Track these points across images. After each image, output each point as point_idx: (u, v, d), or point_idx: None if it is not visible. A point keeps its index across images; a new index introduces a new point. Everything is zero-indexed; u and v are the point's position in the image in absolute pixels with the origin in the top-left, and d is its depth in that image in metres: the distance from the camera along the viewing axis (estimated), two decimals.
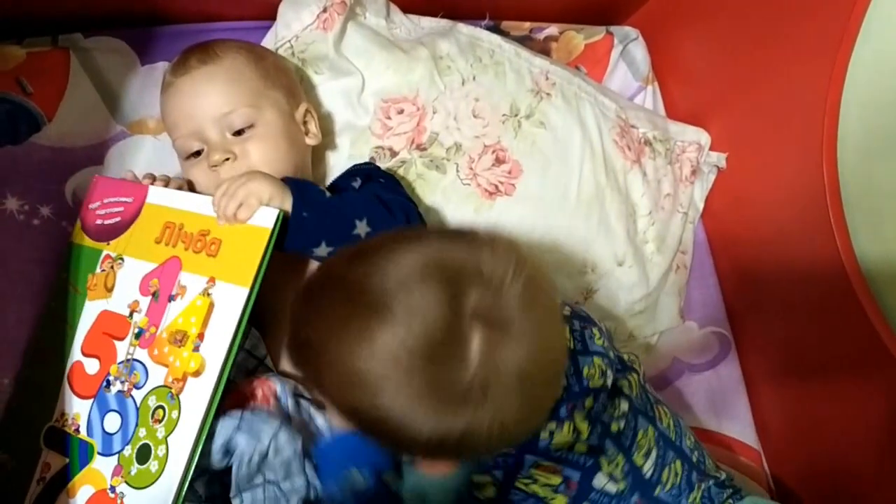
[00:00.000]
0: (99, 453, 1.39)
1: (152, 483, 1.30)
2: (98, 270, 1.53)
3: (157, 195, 1.52)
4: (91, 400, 1.44)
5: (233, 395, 1.42)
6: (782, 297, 1.91)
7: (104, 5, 1.81)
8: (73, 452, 1.42)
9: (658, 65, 2.21)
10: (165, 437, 1.31)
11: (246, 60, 1.64)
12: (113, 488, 1.35)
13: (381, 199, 1.53)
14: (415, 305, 1.09)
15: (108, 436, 1.39)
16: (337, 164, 1.84)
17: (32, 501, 1.43)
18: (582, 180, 1.89)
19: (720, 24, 1.97)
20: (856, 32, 1.54)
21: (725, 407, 2.01)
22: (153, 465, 1.31)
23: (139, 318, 1.43)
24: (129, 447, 1.35)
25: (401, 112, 1.84)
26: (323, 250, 1.44)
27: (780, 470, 1.97)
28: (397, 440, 1.16)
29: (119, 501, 1.33)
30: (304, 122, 1.70)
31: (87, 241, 1.57)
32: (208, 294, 1.36)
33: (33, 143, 1.75)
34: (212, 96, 1.58)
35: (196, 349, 1.33)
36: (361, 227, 1.46)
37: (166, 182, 1.58)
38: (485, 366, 1.07)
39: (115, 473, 1.35)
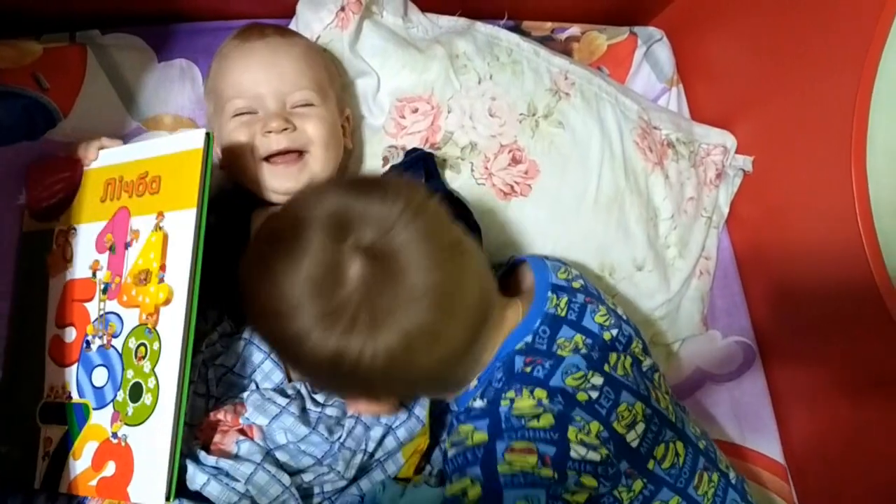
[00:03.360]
0: (94, 409, 1.40)
1: (150, 415, 1.31)
2: (54, 247, 1.55)
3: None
4: (75, 364, 1.45)
5: (208, 425, 1.45)
6: (809, 306, 1.84)
7: (121, 2, 1.81)
8: (71, 418, 1.42)
9: (683, 66, 2.16)
10: (153, 369, 1.32)
11: (317, 52, 1.73)
12: (115, 434, 1.35)
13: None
14: (307, 247, 1.21)
15: (98, 390, 1.40)
16: (351, 162, 1.84)
17: (42, 477, 1.43)
18: (601, 182, 1.85)
19: (747, 26, 1.92)
20: (885, 37, 1.49)
21: (749, 420, 1.93)
22: (147, 398, 1.32)
23: (102, 275, 1.46)
24: (120, 392, 1.36)
25: (415, 111, 1.81)
26: None
27: (806, 487, 1.90)
28: (308, 365, 1.30)
29: (123, 443, 1.34)
30: (343, 127, 1.74)
31: (38, 226, 1.59)
32: (160, 228, 1.38)
33: (49, 139, 1.74)
34: (288, 69, 1.62)
35: (161, 280, 1.35)
36: None
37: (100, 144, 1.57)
38: (360, 292, 1.19)
39: (113, 420, 1.36)
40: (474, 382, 1.40)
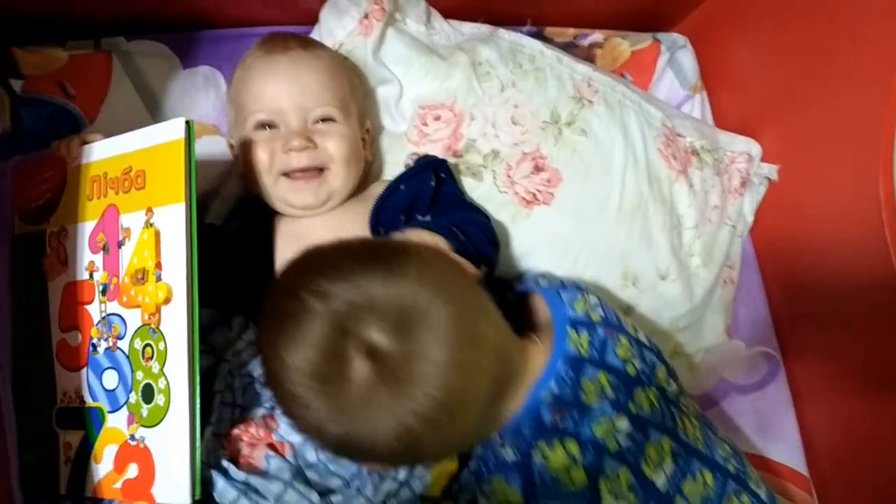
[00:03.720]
0: (109, 412, 1.39)
1: (165, 415, 1.30)
2: (48, 250, 1.53)
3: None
4: (84, 369, 1.43)
5: (236, 437, 1.44)
6: (834, 317, 1.81)
7: (146, 9, 1.82)
8: (87, 422, 1.41)
9: (707, 73, 2.14)
10: (161, 370, 1.31)
11: (340, 65, 1.72)
12: (132, 436, 1.35)
13: (460, 229, 1.53)
14: (309, 338, 1.19)
15: (111, 393, 1.39)
16: (372, 172, 1.84)
17: (66, 483, 1.43)
18: (624, 190, 1.82)
19: (773, 32, 1.90)
20: None
21: (773, 430, 1.91)
22: (159, 399, 1.31)
23: (99, 276, 1.43)
24: (132, 394, 1.35)
25: (437, 118, 1.80)
26: None
27: (829, 498, 1.87)
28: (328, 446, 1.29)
29: (142, 445, 1.33)
30: (363, 139, 1.74)
31: (29, 228, 1.57)
32: (151, 224, 1.36)
33: None
34: (310, 84, 1.62)
35: (159, 279, 1.33)
36: None
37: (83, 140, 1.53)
38: (365, 391, 1.18)
39: (129, 423, 1.36)
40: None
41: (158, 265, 1.33)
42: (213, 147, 1.75)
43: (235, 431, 1.42)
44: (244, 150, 1.63)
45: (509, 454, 1.34)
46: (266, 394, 1.48)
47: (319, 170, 1.62)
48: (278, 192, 1.62)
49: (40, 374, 1.49)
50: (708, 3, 2.06)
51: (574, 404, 1.35)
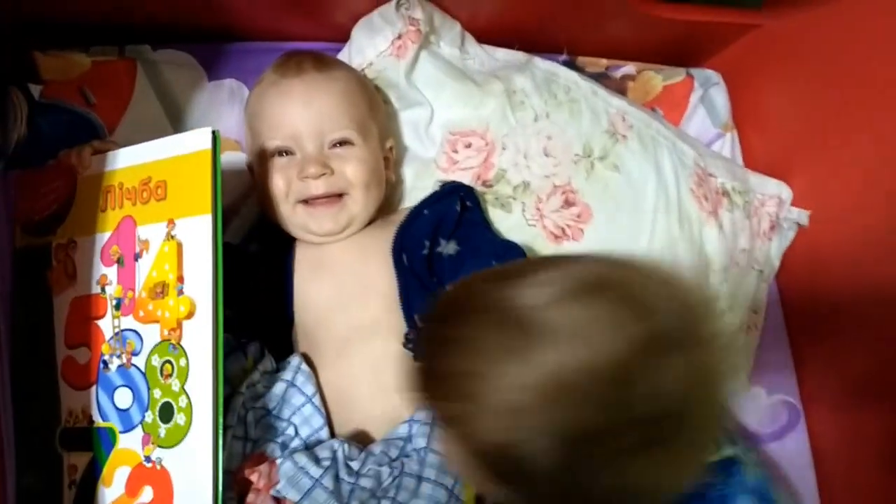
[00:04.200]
0: (121, 432, 1.33)
1: (185, 435, 1.25)
2: (54, 263, 1.48)
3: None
4: (93, 387, 1.38)
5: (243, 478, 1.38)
6: (859, 370, 1.80)
7: (174, 17, 1.78)
8: (96, 443, 1.36)
9: (738, 111, 2.10)
10: (182, 387, 1.26)
11: (357, 84, 1.66)
12: (148, 458, 1.29)
13: None
14: (576, 326, 0.96)
15: (123, 412, 1.34)
16: (397, 194, 1.81)
17: None
18: (654, 229, 1.80)
19: (807, 71, 1.87)
20: None
21: (792, 483, 1.88)
22: (180, 418, 1.26)
23: (112, 290, 1.39)
24: (149, 413, 1.30)
25: (468, 146, 1.78)
26: None
27: None
28: (561, 485, 1.00)
29: (158, 466, 1.28)
30: (386, 158, 1.69)
31: (33, 241, 1.52)
32: (172, 237, 1.31)
33: None
34: (326, 108, 1.57)
35: (180, 293, 1.28)
36: None
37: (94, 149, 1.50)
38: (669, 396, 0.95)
39: (144, 443, 1.30)
40: None
41: (180, 278, 1.29)
42: (235, 163, 1.71)
43: (246, 471, 1.38)
44: (261, 178, 1.60)
45: None
46: (280, 427, 1.45)
47: (338, 195, 1.58)
48: (297, 219, 1.59)
49: (43, 394, 1.44)
50: (742, 40, 2.02)
51: None
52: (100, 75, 1.75)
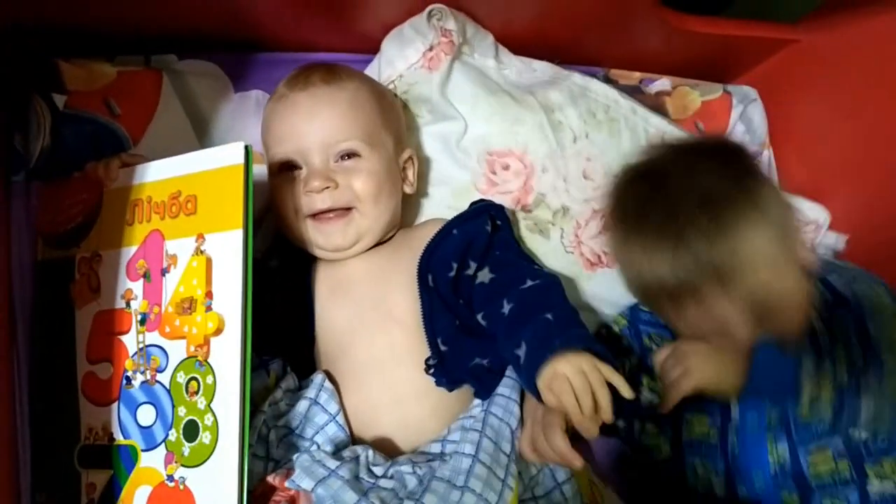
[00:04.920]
0: (143, 450, 1.32)
1: (211, 454, 1.24)
2: (77, 276, 1.47)
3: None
4: (115, 403, 1.37)
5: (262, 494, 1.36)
6: None
7: (200, 27, 1.76)
8: (116, 461, 1.35)
9: (774, 128, 2.09)
10: (209, 405, 1.25)
11: (368, 93, 1.63)
12: (170, 477, 1.28)
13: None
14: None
15: (146, 430, 1.32)
16: (434, 213, 1.78)
17: None
18: None
19: (845, 87, 1.85)
20: None
21: None
22: (205, 436, 1.25)
23: (137, 305, 1.37)
24: (172, 431, 1.29)
25: (506, 168, 1.77)
26: None
27: None
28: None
29: (182, 486, 1.26)
30: (404, 169, 1.68)
31: (56, 253, 1.51)
32: (202, 252, 1.31)
33: None
34: (330, 120, 1.56)
35: (209, 309, 1.28)
36: None
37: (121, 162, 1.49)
38: None
39: (167, 462, 1.29)
40: None
41: (209, 294, 1.28)
42: (259, 175, 1.66)
43: (262, 485, 1.36)
44: (272, 193, 1.60)
45: None
46: (303, 446, 1.42)
47: (346, 209, 1.57)
48: (307, 235, 1.58)
49: (62, 409, 1.42)
50: (778, 55, 2.01)
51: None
52: (125, 85, 1.73)
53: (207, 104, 1.80)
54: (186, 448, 1.26)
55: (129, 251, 1.40)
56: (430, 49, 1.76)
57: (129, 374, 1.35)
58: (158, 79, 1.76)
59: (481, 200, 1.70)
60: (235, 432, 1.21)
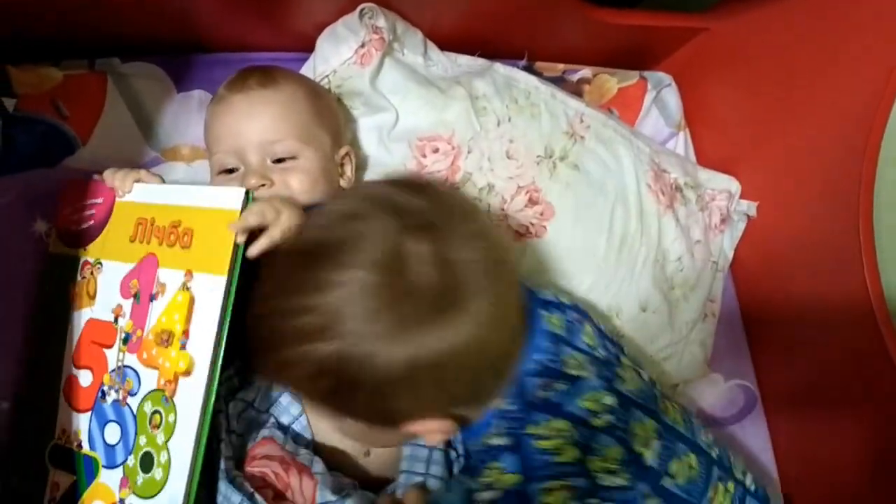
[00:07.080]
0: (104, 466, 1.36)
1: (159, 491, 1.27)
2: (79, 278, 1.49)
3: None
4: (89, 413, 1.41)
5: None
6: (811, 352, 1.85)
7: (142, 31, 1.82)
8: (79, 469, 1.39)
9: (689, 111, 2.18)
10: (165, 443, 1.28)
11: (304, 94, 1.65)
12: (122, 501, 1.32)
13: None
14: (360, 235, 1.15)
15: (110, 448, 1.36)
16: None
17: None
18: (613, 223, 1.87)
19: (753, 70, 1.94)
20: None
21: (751, 465, 1.83)
22: (157, 472, 1.28)
23: (124, 323, 1.40)
24: (131, 457, 1.32)
25: (436, 151, 1.83)
26: None
27: None
28: (369, 385, 1.16)
29: None
30: (342, 164, 1.71)
31: (65, 250, 1.53)
32: (187, 288, 1.31)
33: (66, 167, 1.76)
34: (263, 121, 1.58)
35: (183, 347, 1.29)
36: None
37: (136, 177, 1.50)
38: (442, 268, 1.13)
39: (122, 485, 1.33)
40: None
41: (186, 332, 1.29)
42: (206, 172, 1.72)
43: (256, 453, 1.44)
44: None
45: (498, 440, 1.33)
46: (260, 419, 1.49)
47: None
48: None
49: (43, 404, 1.47)
50: (691, 43, 2.10)
51: (560, 376, 1.36)
52: (72, 88, 1.80)
53: (151, 104, 1.86)
54: (140, 478, 1.30)
55: (126, 267, 1.42)
56: (363, 46, 1.82)
57: (105, 388, 1.39)
58: (103, 81, 1.83)
59: None
60: (183, 479, 1.24)
